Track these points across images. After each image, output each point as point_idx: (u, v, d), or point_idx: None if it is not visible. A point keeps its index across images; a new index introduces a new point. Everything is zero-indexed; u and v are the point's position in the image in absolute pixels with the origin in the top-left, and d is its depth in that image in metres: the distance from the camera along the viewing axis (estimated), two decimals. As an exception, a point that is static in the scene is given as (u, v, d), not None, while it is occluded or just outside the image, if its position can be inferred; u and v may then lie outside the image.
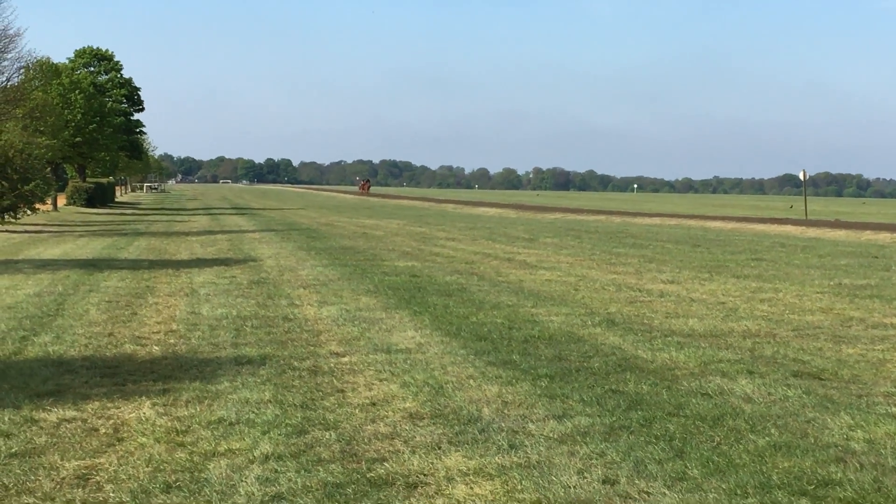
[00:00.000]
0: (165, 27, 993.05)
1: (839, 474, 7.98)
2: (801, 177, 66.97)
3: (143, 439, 8.95)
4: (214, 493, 7.48)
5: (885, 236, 44.49)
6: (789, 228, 52.19)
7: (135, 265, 26.97)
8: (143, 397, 10.60)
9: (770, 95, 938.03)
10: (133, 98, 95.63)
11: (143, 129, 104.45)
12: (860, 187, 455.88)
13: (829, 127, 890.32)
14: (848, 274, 26.14)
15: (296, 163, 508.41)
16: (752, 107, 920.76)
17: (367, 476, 7.90)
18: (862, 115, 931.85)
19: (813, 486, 7.69)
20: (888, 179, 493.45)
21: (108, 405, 10.26)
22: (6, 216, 46.28)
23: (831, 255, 33.68)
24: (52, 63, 72.81)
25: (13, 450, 8.60)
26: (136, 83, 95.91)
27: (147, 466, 8.14)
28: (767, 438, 9.09)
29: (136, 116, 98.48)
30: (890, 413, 10.18)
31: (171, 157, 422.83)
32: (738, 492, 7.55)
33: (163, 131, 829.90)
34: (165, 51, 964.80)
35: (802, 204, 69.16)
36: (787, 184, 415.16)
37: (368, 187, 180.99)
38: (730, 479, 7.82)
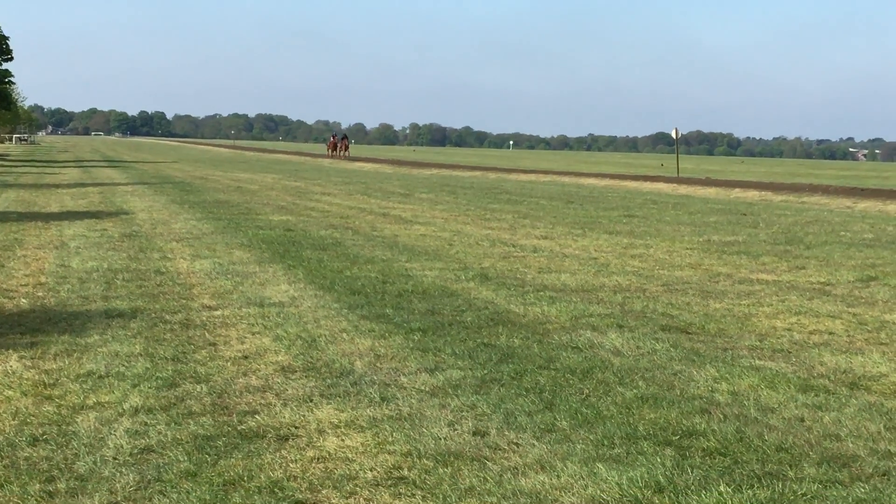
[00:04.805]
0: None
1: (703, 425, 8.15)
2: (674, 135, 67.91)
3: (10, 392, 8.80)
4: (82, 446, 7.38)
5: (753, 194, 45.45)
6: (661, 185, 52.97)
7: (2, 217, 26.41)
8: (10, 350, 10.42)
9: (640, 54, 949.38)
10: (1, 47, 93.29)
11: (12, 80, 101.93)
12: (731, 146, 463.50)
13: (700, 87, 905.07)
14: (717, 230, 26.66)
15: (170, 116, 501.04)
16: (623, 66, 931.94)
17: (238, 429, 7.87)
18: (732, 75, 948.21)
19: (678, 437, 7.84)
20: (758, 139, 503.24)
21: (-26, 358, 10.07)
22: None
23: (701, 212, 34.31)
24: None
25: None
26: (5, 31, 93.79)
27: (13, 420, 8.00)
28: (635, 391, 9.25)
29: (5, 66, 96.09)
30: (753, 366, 10.42)
31: (41, 108, 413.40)
32: (606, 442, 7.67)
33: (33, 81, 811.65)
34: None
35: (674, 162, 70.12)
36: (660, 142, 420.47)
37: (347, 146, 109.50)
38: (597, 430, 7.95)
